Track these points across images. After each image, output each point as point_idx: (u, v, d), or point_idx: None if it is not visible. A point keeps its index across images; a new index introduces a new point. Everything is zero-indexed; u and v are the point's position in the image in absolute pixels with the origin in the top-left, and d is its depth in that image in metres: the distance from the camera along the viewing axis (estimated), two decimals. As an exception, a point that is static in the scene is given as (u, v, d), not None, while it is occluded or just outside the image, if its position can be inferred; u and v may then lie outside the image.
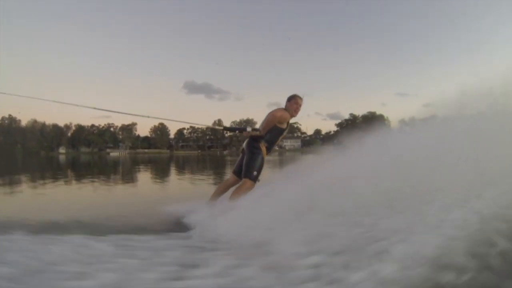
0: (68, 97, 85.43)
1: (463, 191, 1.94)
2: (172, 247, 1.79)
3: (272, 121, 2.86)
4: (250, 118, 70.51)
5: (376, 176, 2.21)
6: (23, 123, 70.02)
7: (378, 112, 69.01)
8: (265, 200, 2.35)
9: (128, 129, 75.38)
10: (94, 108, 3.04)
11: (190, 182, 7.21)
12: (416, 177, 2.13)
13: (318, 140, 73.18)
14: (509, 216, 1.63)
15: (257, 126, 3.05)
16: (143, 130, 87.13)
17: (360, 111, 77.14)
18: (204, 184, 6.52)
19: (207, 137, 77.01)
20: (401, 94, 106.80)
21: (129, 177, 8.73)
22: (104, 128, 74.69)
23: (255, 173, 2.77)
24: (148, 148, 72.26)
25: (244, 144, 2.96)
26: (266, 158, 2.91)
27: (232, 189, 2.90)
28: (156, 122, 76.75)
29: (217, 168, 12.84)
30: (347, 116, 75.01)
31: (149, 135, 77.21)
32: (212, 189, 3.31)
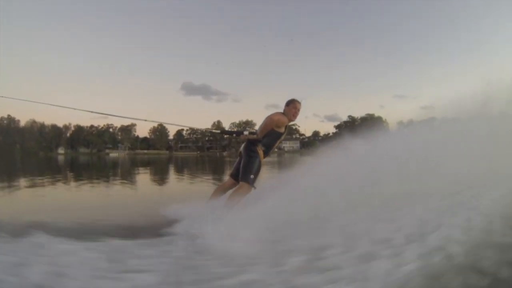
0: (67, 97, 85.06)
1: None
2: (150, 255, 1.77)
3: (269, 125, 2.87)
4: (250, 119, 70.66)
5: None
6: (22, 123, 69.79)
7: (376, 114, 69.26)
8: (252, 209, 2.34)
9: (127, 130, 75.07)
10: (92, 112, 3.06)
11: (189, 183, 7.23)
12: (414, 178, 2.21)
13: (316, 141, 73.15)
14: None
15: (256, 127, 3.07)
16: (142, 131, 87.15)
17: (358, 113, 77.11)
18: (203, 185, 6.54)
19: (206, 138, 76.76)
20: (399, 96, 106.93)
21: (128, 178, 8.74)
22: (103, 129, 74.35)
23: (252, 176, 2.77)
24: (147, 149, 71.88)
25: (242, 148, 2.96)
26: (265, 159, 2.92)
27: (230, 191, 2.91)
28: (154, 123, 76.65)
29: (216, 169, 12.85)
30: (345, 118, 75.20)
31: (148, 136, 76.94)
32: (210, 190, 3.31)
